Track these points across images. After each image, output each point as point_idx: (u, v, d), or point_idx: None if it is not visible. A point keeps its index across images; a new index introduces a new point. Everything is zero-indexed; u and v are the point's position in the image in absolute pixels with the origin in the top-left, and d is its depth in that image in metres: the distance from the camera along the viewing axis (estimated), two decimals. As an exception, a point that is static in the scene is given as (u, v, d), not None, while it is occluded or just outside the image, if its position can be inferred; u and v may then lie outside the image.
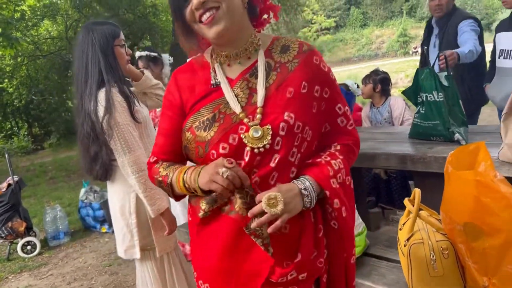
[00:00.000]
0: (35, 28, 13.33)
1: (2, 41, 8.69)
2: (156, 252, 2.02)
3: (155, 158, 1.26)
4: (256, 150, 1.06)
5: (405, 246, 1.58)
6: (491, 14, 28.79)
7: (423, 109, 2.14)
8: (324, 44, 36.66)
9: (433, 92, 2.05)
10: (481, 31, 2.93)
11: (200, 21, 1.08)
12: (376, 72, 3.44)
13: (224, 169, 1.02)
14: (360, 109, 3.66)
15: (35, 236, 4.26)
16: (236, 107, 1.10)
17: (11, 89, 13.85)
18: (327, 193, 1.09)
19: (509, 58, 2.74)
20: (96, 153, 1.95)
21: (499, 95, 2.69)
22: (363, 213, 2.70)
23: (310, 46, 1.20)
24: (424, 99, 2.11)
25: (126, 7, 11.72)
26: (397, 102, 3.32)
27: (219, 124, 1.09)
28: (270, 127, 1.07)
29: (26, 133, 14.95)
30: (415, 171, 2.10)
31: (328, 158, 1.14)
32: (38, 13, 13.02)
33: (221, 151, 1.07)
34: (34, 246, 4.14)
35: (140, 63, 3.19)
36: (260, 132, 1.06)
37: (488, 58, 3.07)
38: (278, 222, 1.00)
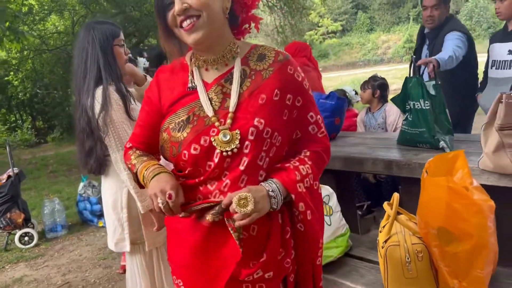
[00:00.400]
0: (42, 22, 13.42)
1: (9, 35, 8.79)
2: (145, 246, 2.08)
3: (130, 145, 1.34)
4: (224, 153, 1.12)
5: (382, 247, 1.64)
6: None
7: (411, 116, 2.20)
8: (330, 48, 36.67)
9: (420, 100, 2.10)
10: (470, 43, 2.95)
11: (181, 27, 1.14)
12: (374, 78, 3.50)
13: (161, 200, 1.10)
14: (356, 115, 3.71)
15: (33, 227, 4.33)
16: (209, 111, 1.16)
17: (16, 82, 13.95)
18: (293, 196, 1.15)
19: (500, 69, 2.79)
20: (91, 148, 2.02)
21: (489, 104, 2.74)
22: (352, 216, 2.76)
23: (286, 55, 1.25)
24: (412, 107, 2.17)
25: (133, 4, 11.78)
26: (392, 108, 3.38)
27: (192, 126, 1.15)
28: (238, 132, 1.13)
29: (29, 126, 15.05)
30: (402, 176, 2.16)
31: (297, 163, 1.20)
32: (46, 7, 13.13)
33: (192, 151, 1.14)
34: (31, 238, 4.21)
35: None
36: (228, 137, 1.12)
37: (482, 68, 3.11)
38: (246, 221, 1.06)
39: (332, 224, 1.95)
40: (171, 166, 1.31)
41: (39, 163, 9.36)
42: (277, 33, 14.09)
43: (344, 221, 2.03)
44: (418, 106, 2.12)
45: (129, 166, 1.30)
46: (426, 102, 2.08)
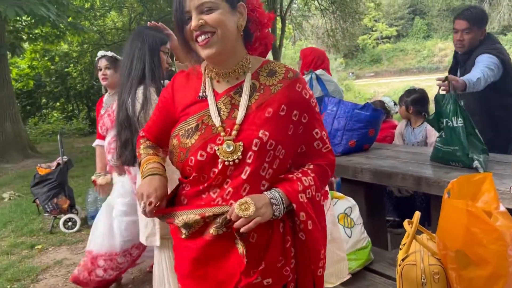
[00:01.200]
0: (102, 18, 14.13)
1: (70, 29, 9.34)
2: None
3: (143, 134, 1.45)
4: (226, 162, 1.17)
5: (399, 265, 1.62)
6: None
7: (444, 134, 2.15)
8: (383, 53, 35.83)
9: (453, 118, 2.06)
10: (505, 65, 2.72)
11: (197, 41, 1.19)
12: (408, 92, 3.36)
13: (143, 204, 1.22)
14: (394, 126, 3.62)
15: (76, 214, 4.57)
16: (216, 121, 1.21)
17: (75, 74, 14.73)
18: (294, 205, 1.19)
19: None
20: (127, 139, 2.14)
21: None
22: (380, 230, 2.73)
23: (296, 73, 1.30)
24: (445, 125, 2.12)
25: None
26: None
27: (200, 134, 1.21)
28: (242, 144, 1.17)
29: (85, 116, 15.83)
30: (432, 194, 2.12)
31: (300, 175, 1.24)
32: (107, 4, 13.79)
33: (198, 157, 1.19)
34: (74, 223, 4.45)
35: (102, 63, 2.93)
36: (232, 148, 1.17)
37: None
38: (251, 224, 1.11)
39: (352, 236, 1.95)
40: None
41: (90, 152, 9.83)
42: (327, 36, 13.99)
43: (365, 234, 2.01)
44: (451, 124, 2.07)
45: (136, 153, 1.43)
46: (459, 119, 2.03)
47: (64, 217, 4.40)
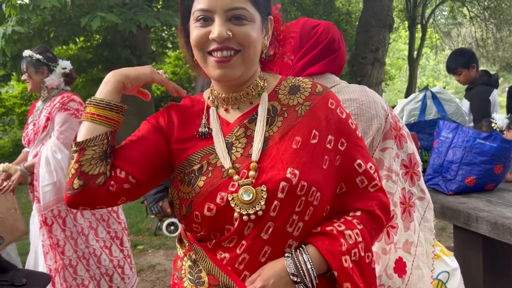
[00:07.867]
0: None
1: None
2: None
3: None
4: (245, 217, 0.86)
5: None
6: None
7: None
8: (550, 67, 30.83)
9: None
10: None
11: (211, 54, 0.90)
12: None
13: None
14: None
15: (179, 219, 4.68)
16: (225, 161, 0.91)
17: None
18: (335, 273, 0.86)
19: None
20: None
21: None
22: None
23: (325, 87, 0.97)
24: None
25: (321, 13, 11.93)
26: None
27: (206, 179, 0.91)
28: (265, 188, 0.86)
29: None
30: None
31: (342, 227, 0.90)
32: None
33: (206, 212, 0.89)
34: (176, 227, 4.55)
35: (22, 65, 2.52)
36: (251, 195, 0.86)
37: None
38: None
39: (445, 313, 1.46)
40: None
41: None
42: (476, 46, 12.42)
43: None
44: None
45: None
46: None
47: (167, 221, 4.54)
